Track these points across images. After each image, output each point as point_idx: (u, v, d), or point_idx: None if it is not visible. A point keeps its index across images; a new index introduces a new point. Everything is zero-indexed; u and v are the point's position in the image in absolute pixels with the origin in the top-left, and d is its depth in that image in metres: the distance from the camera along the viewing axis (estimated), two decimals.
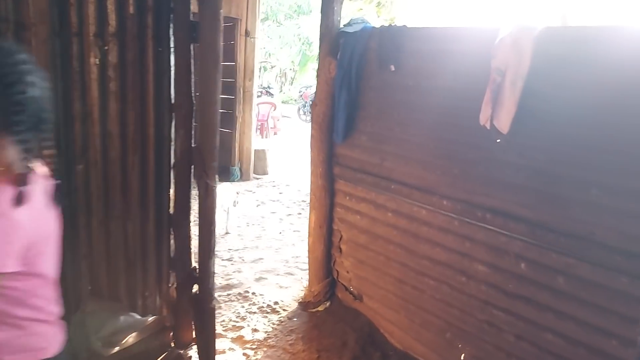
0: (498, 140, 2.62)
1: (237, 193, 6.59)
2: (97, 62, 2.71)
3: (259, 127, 14.13)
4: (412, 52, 3.11)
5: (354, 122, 3.54)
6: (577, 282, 2.36)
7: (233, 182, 7.87)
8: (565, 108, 2.35)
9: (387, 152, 3.34)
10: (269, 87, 21.21)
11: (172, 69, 2.91)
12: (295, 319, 3.70)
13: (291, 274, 4.52)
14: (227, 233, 5.75)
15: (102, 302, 3.01)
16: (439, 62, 2.95)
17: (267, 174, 8.66)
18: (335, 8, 3.45)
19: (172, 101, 2.95)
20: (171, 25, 2.85)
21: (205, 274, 2.89)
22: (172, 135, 3.01)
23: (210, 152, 2.61)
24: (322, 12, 3.47)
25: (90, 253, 2.93)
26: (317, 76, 3.65)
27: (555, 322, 2.47)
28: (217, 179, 2.72)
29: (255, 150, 8.46)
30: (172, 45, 2.88)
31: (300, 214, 6.59)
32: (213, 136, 2.61)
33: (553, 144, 2.41)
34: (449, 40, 2.94)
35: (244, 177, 8.04)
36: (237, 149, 8.05)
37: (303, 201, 7.12)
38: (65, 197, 2.77)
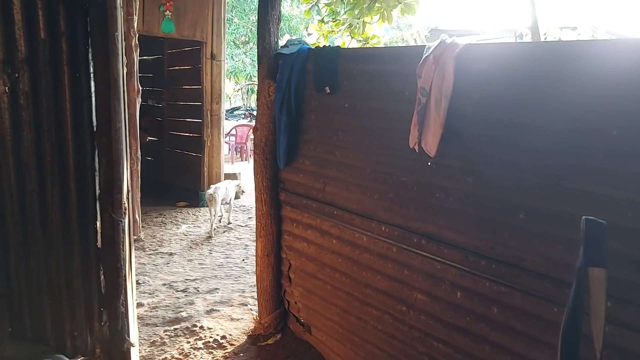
0: (429, 164, 2.49)
1: (238, 185, 7.23)
2: (7, 91, 2.58)
3: (238, 149, 14.04)
4: (346, 73, 2.99)
5: (296, 146, 3.41)
6: (510, 312, 2.22)
7: (202, 207, 7.73)
8: (489, 128, 2.24)
9: (328, 177, 3.21)
10: (252, 109, 21.17)
11: (93, 95, 2.78)
12: (242, 354, 3.51)
13: (245, 305, 4.33)
14: (229, 223, 6.96)
15: (24, 345, 2.83)
16: (372, 83, 2.84)
17: (239, 198, 8.50)
18: (272, 29, 3.34)
19: (94, 129, 2.81)
20: (90, 49, 2.73)
21: (113, 315, 2.72)
22: (96, 165, 2.86)
23: (113, 182, 2.46)
24: (258, 33, 3.37)
25: (10, 292, 2.76)
26: (257, 99, 3.53)
27: (492, 355, 2.31)
28: (123, 212, 2.57)
29: (226, 174, 8.32)
30: (92, 70, 2.75)
31: None
32: (117, 165, 2.46)
33: (479, 165, 2.28)
34: (381, 60, 2.83)
35: None
36: (206, 173, 7.90)
37: None
38: None
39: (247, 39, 19.20)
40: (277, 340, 3.64)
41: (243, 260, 5.62)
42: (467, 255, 2.36)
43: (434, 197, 2.52)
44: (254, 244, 6.21)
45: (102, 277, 3.00)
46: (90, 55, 2.73)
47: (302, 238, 3.48)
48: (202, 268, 5.32)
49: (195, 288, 4.72)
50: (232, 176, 8.49)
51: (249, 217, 7.42)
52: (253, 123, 14.52)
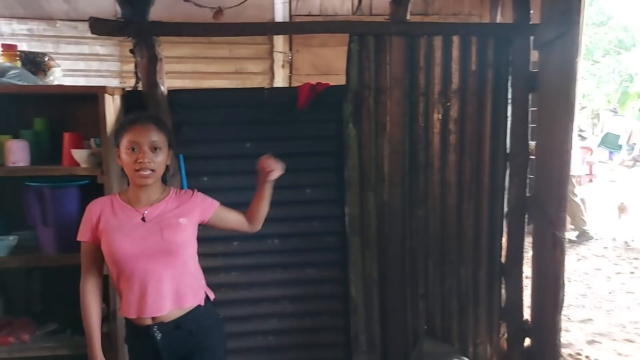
0: None
1: None
2: (440, 118, 2.96)
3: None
4: None
5: None
6: None
7: None
8: None
9: None
10: (580, 129, 19.56)
11: (509, 119, 2.97)
12: None
13: (631, 341, 3.97)
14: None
15: (437, 343, 3.16)
16: None
17: (585, 225, 7.88)
18: None
19: (507, 151, 3.00)
20: (509, 77, 2.94)
21: (548, 329, 2.78)
22: (506, 184, 3.04)
23: (557, 201, 2.54)
24: None
25: (426, 294, 3.13)
26: None
27: None
28: (566, 231, 2.63)
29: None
30: (509, 96, 2.95)
31: (632, 273, 5.79)
32: (561, 185, 2.53)
33: None
34: None
35: None
36: None
37: (635, 258, 6.25)
38: (407, 239, 3.06)
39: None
40: None
41: (609, 293, 5.18)
42: None
43: None
44: (617, 276, 5.70)
45: (502, 291, 3.17)
46: (509, 82, 2.95)
47: None
48: (565, 296, 5.09)
49: (564, 315, 4.51)
50: (573, 203, 7.94)
51: (604, 247, 6.82)
52: (587, 144, 13.33)
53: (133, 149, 1.89)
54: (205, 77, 5.34)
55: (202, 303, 2.10)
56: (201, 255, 2.92)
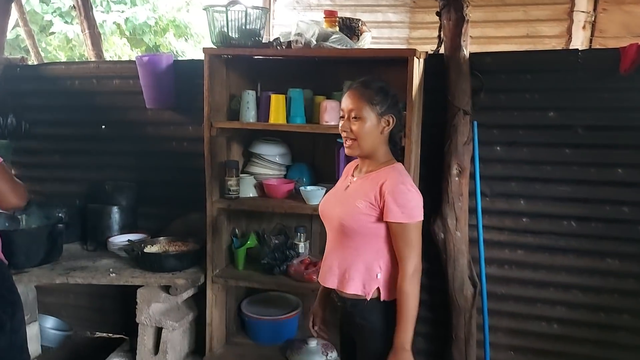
0: None
1: None
2: None
3: None
4: None
5: None
6: None
7: None
8: None
9: None
10: None
11: None
12: None
13: None
14: None
15: None
16: None
17: None
18: None
19: None
20: None
21: None
22: None
23: None
24: None
25: None
26: None
27: None
28: None
29: None
30: None
31: None
32: None
33: None
34: None
35: None
36: None
37: None
38: None
39: None
40: None
41: None
42: None
43: None
44: None
45: None
46: None
47: None
48: None
49: None
50: None
51: None
52: None
53: (342, 117, 1.82)
54: (493, 42, 5.07)
55: (368, 298, 1.79)
56: (486, 228, 2.84)
